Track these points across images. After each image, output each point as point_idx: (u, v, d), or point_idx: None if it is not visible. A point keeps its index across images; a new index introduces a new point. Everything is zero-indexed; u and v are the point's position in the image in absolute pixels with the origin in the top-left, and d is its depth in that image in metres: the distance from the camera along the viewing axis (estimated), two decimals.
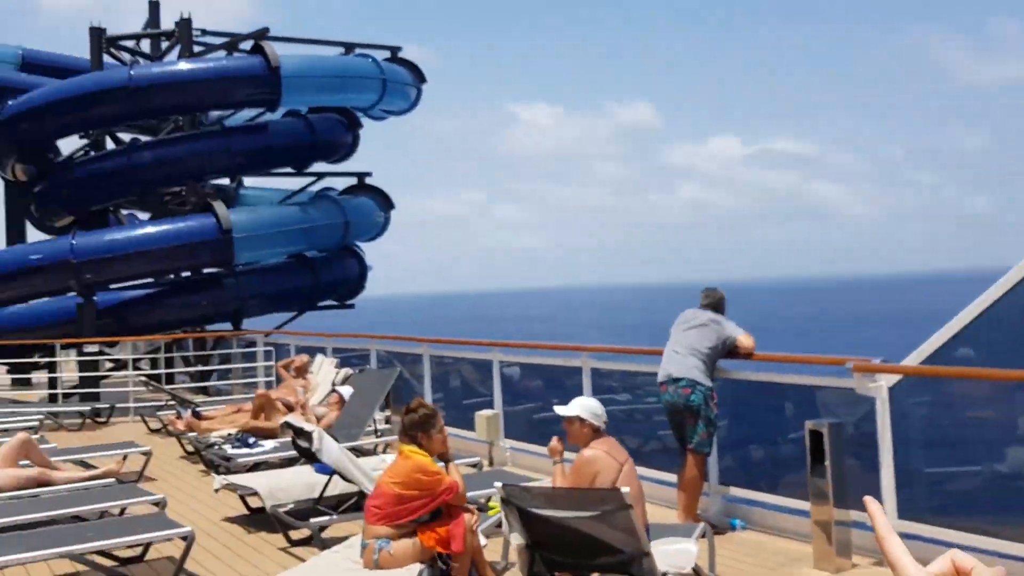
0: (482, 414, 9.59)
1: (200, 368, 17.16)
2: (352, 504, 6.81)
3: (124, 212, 19.24)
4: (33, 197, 17.87)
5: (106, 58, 18.92)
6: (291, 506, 7.12)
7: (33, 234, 22.80)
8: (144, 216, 20.13)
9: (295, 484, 7.60)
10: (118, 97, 15.97)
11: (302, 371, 12.48)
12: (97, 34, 18.96)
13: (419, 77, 19.75)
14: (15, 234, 22.01)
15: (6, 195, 22.21)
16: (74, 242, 15.35)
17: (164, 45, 19.92)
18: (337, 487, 7.23)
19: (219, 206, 15.91)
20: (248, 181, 21.15)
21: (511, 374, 10.32)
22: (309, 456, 7.04)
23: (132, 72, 16.03)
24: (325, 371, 12.68)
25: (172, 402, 13.51)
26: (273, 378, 15.36)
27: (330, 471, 6.98)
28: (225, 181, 20.16)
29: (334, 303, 18.67)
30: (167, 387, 13.66)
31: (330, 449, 6.47)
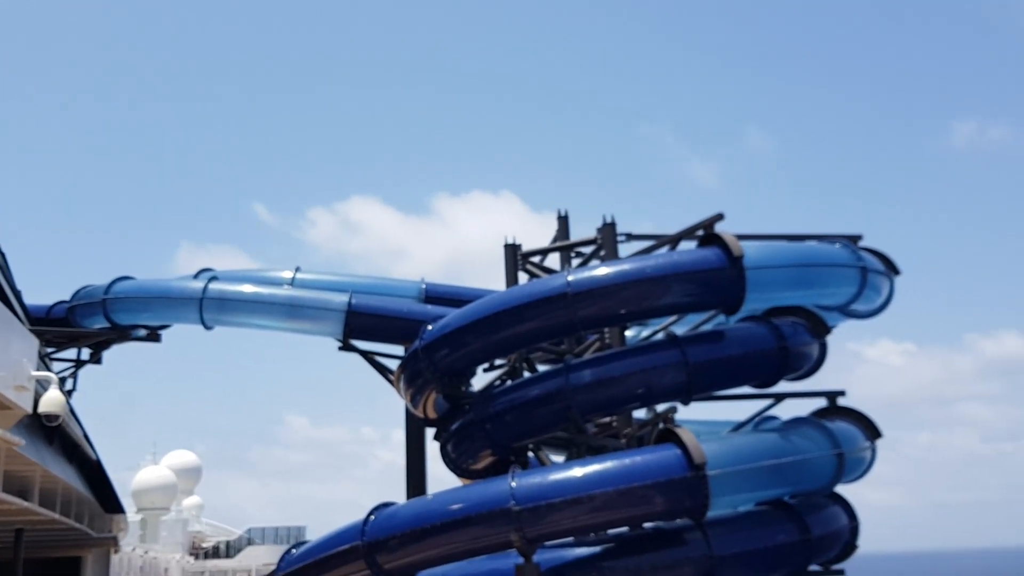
0: None
1: None
2: None
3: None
4: (449, 435, 15.41)
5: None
6: None
7: (434, 482, 20.69)
8: (559, 459, 17.03)
9: None
10: (555, 307, 13.33)
11: None
12: (512, 250, 17.13)
13: (891, 268, 15.68)
14: (416, 483, 19.97)
15: (407, 438, 20.52)
16: (514, 484, 12.21)
17: (575, 261, 17.76)
18: None
19: (686, 434, 12.24)
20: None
21: None
22: None
23: (570, 278, 13.41)
24: None
25: None
26: None
27: None
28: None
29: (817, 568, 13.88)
30: None
31: None
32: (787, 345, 13.71)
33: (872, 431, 14.61)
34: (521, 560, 12.35)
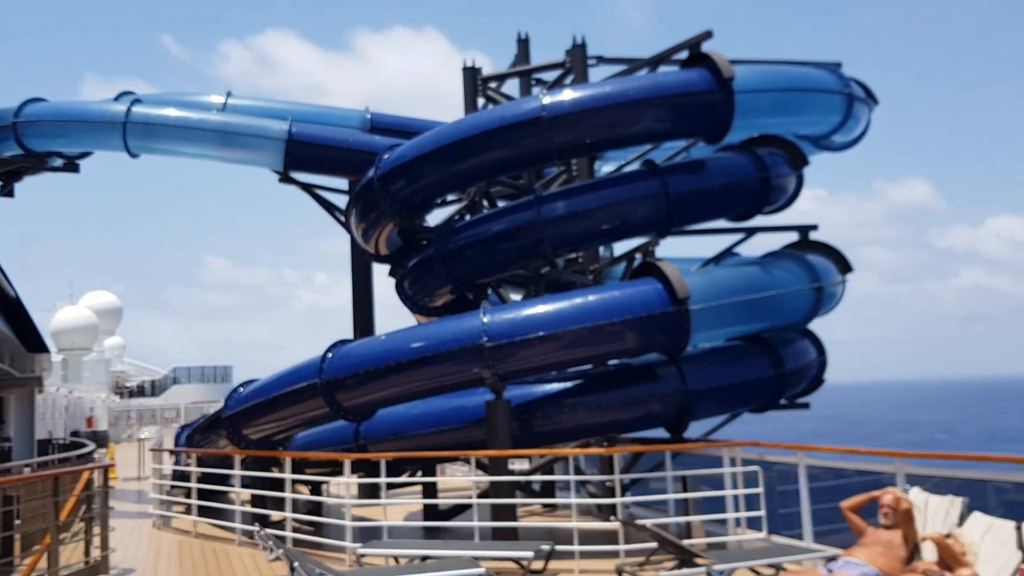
0: None
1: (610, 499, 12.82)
2: None
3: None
4: (406, 272, 14.56)
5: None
6: None
7: (383, 321, 19.99)
8: (516, 298, 16.38)
9: None
10: (528, 134, 12.29)
11: (905, 517, 7.60)
12: (472, 74, 15.85)
13: (871, 96, 14.96)
14: (363, 323, 19.22)
15: (353, 276, 19.61)
16: (487, 320, 11.52)
17: (537, 89, 16.61)
18: None
19: (668, 267, 11.62)
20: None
21: None
22: None
23: (545, 100, 12.30)
24: (939, 516, 7.74)
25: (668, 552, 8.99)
26: (762, 513, 10.63)
27: None
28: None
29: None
30: (663, 533, 9.06)
31: None
32: (769, 176, 13.04)
33: (843, 265, 14.26)
34: (491, 397, 11.87)
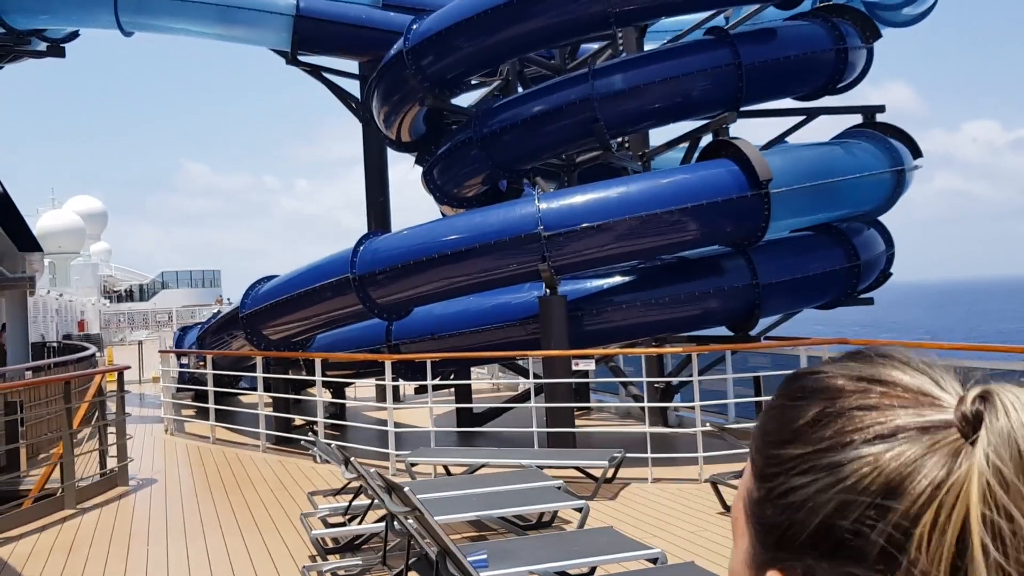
0: None
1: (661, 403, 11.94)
2: None
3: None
4: (436, 159, 13.26)
5: None
6: None
7: (399, 218, 18.77)
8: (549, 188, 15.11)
9: None
10: None
11: None
12: None
13: None
14: (379, 217, 17.95)
15: (366, 168, 18.25)
16: (542, 207, 10.30)
17: None
18: None
19: (747, 146, 10.38)
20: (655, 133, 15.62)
21: None
22: None
23: None
24: None
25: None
26: None
27: None
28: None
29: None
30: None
31: None
32: (846, 48, 11.69)
33: (915, 150, 13.05)
34: (537, 293, 10.78)
